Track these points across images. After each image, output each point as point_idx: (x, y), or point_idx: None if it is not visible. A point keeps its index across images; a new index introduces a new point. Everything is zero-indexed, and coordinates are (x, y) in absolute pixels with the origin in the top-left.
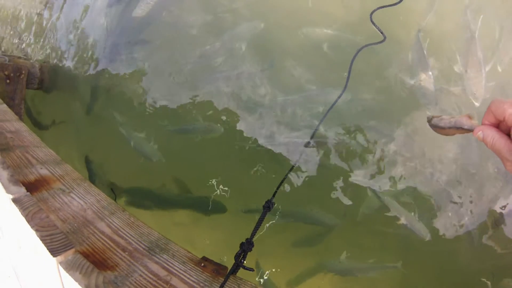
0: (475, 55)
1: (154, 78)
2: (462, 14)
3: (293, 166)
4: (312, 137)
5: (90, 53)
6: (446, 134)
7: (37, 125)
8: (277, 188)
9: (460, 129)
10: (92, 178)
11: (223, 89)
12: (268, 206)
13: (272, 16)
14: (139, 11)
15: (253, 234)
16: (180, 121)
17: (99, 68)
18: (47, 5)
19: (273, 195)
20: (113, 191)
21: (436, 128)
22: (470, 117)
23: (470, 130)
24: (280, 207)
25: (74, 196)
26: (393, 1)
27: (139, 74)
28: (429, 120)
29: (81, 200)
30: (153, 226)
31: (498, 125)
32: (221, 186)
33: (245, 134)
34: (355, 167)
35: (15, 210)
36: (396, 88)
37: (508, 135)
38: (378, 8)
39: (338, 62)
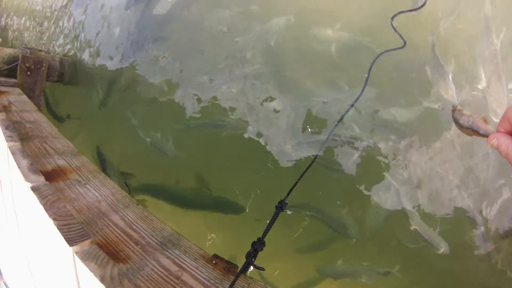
0: (496, 71)
1: (173, 74)
2: (483, 27)
3: (311, 163)
4: (324, 144)
5: (110, 49)
6: (464, 132)
7: (55, 117)
8: (292, 188)
9: (475, 132)
10: (105, 170)
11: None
12: (281, 207)
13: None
14: (160, 8)
15: (265, 233)
16: (204, 116)
17: (119, 64)
18: (72, 1)
19: (287, 195)
20: (127, 185)
21: (456, 123)
22: (485, 121)
23: (485, 136)
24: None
25: (89, 187)
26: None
27: (160, 71)
28: (453, 111)
29: (96, 192)
30: (163, 220)
31: None
32: (237, 188)
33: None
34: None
35: (32, 199)
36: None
37: None
38: (400, 13)
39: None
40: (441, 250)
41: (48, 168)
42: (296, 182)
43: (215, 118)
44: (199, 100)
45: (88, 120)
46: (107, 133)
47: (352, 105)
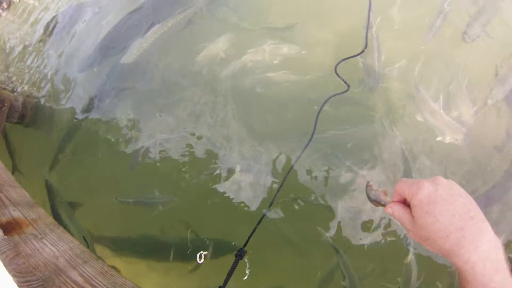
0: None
1: (138, 123)
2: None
3: (271, 202)
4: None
5: (75, 95)
6: (373, 204)
7: (12, 163)
8: (249, 237)
9: (380, 204)
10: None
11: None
12: (240, 255)
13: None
14: (128, 57)
15: (226, 282)
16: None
17: (83, 110)
18: (41, 42)
19: (245, 244)
20: (85, 239)
21: (367, 197)
22: (386, 194)
23: (385, 205)
24: None
25: (46, 242)
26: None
27: (123, 120)
28: (366, 186)
29: (53, 247)
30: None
31: (404, 201)
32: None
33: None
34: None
35: None
36: None
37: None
38: (342, 60)
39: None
40: None
41: (3, 220)
42: (254, 229)
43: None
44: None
45: (46, 166)
46: (67, 182)
47: (303, 151)
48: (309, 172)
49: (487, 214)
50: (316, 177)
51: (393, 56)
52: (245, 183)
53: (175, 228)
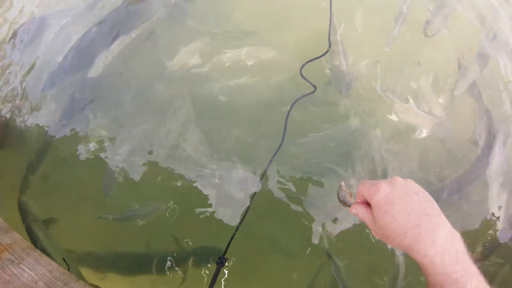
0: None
1: (110, 136)
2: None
3: (245, 214)
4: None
5: (44, 112)
6: (341, 204)
7: None
8: (229, 242)
9: (346, 204)
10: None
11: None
12: (221, 262)
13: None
14: (94, 71)
15: None
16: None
17: (53, 127)
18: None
19: (225, 251)
20: (65, 261)
21: (338, 197)
22: (351, 195)
23: (350, 206)
24: None
25: (24, 267)
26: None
27: (94, 135)
28: (339, 186)
29: (32, 271)
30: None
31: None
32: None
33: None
34: None
35: None
36: None
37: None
38: (308, 62)
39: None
40: None
41: None
42: (232, 237)
43: None
44: None
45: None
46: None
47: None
48: (289, 179)
49: (451, 202)
50: (298, 183)
51: (359, 59)
52: (222, 195)
53: (159, 239)
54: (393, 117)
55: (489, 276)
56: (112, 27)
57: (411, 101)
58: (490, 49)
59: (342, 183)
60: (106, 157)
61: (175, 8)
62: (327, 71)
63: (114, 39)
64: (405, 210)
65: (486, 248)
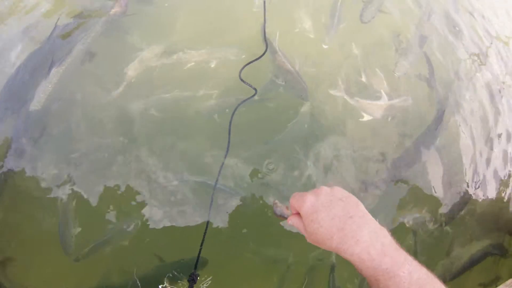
0: None
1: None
2: None
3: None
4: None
5: None
6: (279, 218)
7: None
8: (198, 258)
9: (283, 218)
10: None
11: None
12: (193, 279)
13: None
14: (36, 103)
15: None
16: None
17: (2, 167)
18: None
19: (195, 267)
20: None
21: (274, 213)
22: (287, 208)
23: (286, 218)
24: None
25: None
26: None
27: (47, 173)
28: (273, 204)
29: None
30: None
31: None
32: None
33: None
34: None
35: None
36: None
37: None
38: (246, 65)
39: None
40: None
41: None
42: (200, 251)
43: None
44: None
45: None
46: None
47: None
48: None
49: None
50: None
51: (301, 58)
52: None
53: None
54: (341, 107)
55: None
56: (47, 55)
57: (355, 87)
58: (427, 30)
59: (276, 200)
60: (57, 196)
61: (110, 24)
62: (274, 78)
63: (50, 68)
64: (329, 216)
65: None
